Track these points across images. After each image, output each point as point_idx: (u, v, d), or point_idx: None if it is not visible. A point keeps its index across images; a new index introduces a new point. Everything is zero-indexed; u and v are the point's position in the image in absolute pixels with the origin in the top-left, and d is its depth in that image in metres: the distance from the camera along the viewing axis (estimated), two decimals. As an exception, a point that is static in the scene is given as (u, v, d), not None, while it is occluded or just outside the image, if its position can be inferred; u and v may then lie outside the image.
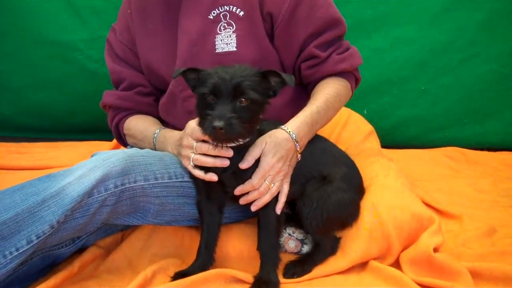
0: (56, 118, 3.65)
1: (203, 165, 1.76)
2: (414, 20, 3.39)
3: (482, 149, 3.44)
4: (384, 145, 2.91)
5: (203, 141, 1.74)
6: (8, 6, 3.41)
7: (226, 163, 1.73)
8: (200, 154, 1.76)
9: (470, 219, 2.35)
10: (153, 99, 2.26)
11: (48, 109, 3.61)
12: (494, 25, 3.37)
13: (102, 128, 3.37)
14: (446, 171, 3.10)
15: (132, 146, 2.19)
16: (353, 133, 2.71)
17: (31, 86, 3.56)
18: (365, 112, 3.09)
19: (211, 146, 1.71)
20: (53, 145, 3.42)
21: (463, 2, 3.34)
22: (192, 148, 1.78)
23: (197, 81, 1.71)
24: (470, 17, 3.36)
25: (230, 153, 1.72)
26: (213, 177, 1.76)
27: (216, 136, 1.61)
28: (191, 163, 1.79)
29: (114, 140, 3.04)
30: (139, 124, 2.19)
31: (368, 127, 2.80)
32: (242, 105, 1.62)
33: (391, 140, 3.21)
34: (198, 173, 1.78)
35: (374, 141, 2.72)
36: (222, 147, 1.70)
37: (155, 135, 2.07)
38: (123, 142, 2.32)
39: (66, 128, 3.66)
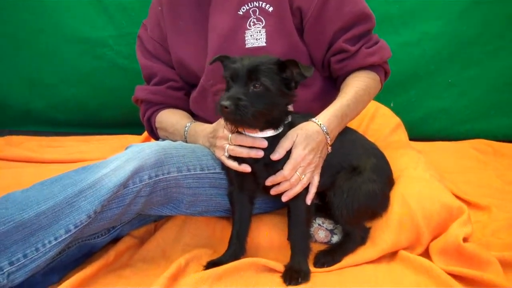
0: (87, 112, 3.73)
1: (237, 155, 1.80)
2: (440, 15, 3.40)
3: (509, 141, 3.43)
4: (411, 138, 2.91)
5: (238, 132, 1.78)
6: (42, 6, 3.51)
7: (261, 154, 1.77)
8: (235, 145, 1.80)
9: (499, 210, 2.35)
10: (184, 93, 2.30)
11: (79, 104, 3.70)
12: (518, 19, 3.37)
13: (132, 122, 3.45)
14: (473, 163, 3.10)
15: (163, 139, 2.23)
16: (381, 126, 2.72)
17: (63, 82, 3.65)
18: (391, 105, 3.10)
19: (245, 137, 1.75)
20: (84, 139, 3.50)
21: (488, -3, 3.34)
22: (227, 139, 1.82)
23: (227, 68, 1.77)
24: (497, 10, 3.36)
25: (265, 143, 1.76)
26: (246, 168, 1.80)
27: (224, 115, 1.66)
28: (226, 153, 1.83)
29: (144, 134, 3.11)
30: (171, 118, 2.23)
31: (396, 119, 2.81)
32: (255, 90, 1.67)
33: (418, 132, 3.21)
34: (232, 164, 1.82)
35: (402, 134, 2.73)
36: (254, 137, 1.75)
37: (186, 128, 2.12)
38: (154, 135, 2.36)
39: (97, 122, 3.74)
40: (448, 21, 3.40)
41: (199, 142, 2.03)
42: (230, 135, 1.81)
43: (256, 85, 1.67)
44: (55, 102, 3.72)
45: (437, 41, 3.41)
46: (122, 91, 3.51)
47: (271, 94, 1.69)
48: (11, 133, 3.56)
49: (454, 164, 3.01)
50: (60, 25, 3.51)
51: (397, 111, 3.04)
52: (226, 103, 1.61)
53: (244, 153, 1.79)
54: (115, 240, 2.00)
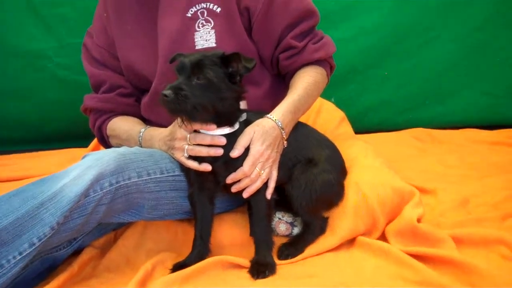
0: (27, 128, 3.62)
1: (197, 155, 1.83)
2: (374, 9, 3.53)
3: (445, 128, 3.59)
4: (354, 131, 3.00)
5: (196, 132, 1.81)
6: (-25, 18, 3.39)
7: (220, 151, 1.80)
8: (194, 144, 1.82)
9: (444, 193, 2.47)
10: (134, 99, 2.30)
11: (20, 120, 3.59)
12: (450, 9, 3.54)
13: (76, 135, 3.41)
14: (414, 151, 3.24)
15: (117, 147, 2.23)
16: (327, 120, 2.81)
17: (1, 97, 3.53)
18: (332, 100, 3.19)
19: (204, 136, 1.78)
20: (27, 156, 3.39)
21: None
22: (186, 139, 1.84)
23: None
24: (427, 3, 3.52)
25: (223, 140, 1.80)
26: (207, 167, 1.82)
27: (163, 104, 1.69)
28: (185, 154, 1.85)
29: (91, 146, 3.07)
30: (123, 125, 2.22)
31: (340, 113, 2.90)
32: (198, 82, 1.72)
33: (360, 125, 3.30)
34: (192, 164, 1.84)
35: (347, 126, 2.83)
36: (212, 134, 1.80)
37: (141, 133, 2.11)
38: (106, 144, 2.34)
39: (39, 137, 3.63)
40: (382, 16, 3.53)
41: (155, 146, 2.03)
42: (188, 135, 1.83)
43: (199, 77, 1.71)
44: (-9, 118, 3.59)
45: (373, 35, 3.54)
46: (64, 103, 3.47)
47: (215, 86, 1.73)
48: None
49: (396, 153, 3.12)
50: (-1, 38, 3.42)
51: (338, 105, 3.14)
52: (166, 92, 1.65)
53: (203, 152, 1.81)
54: (77, 252, 1.98)
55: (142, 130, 2.12)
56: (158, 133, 2.06)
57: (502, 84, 3.66)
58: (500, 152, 3.13)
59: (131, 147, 2.05)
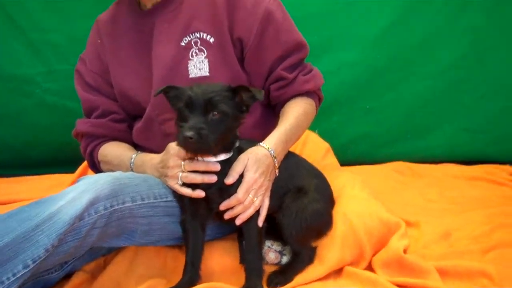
0: (14, 153, 3.59)
1: (192, 182, 1.85)
2: (356, 44, 3.59)
3: (425, 162, 3.67)
4: (337, 163, 3.06)
5: (190, 159, 1.84)
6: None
7: (214, 178, 1.83)
8: (188, 172, 1.85)
9: (426, 225, 2.52)
10: (127, 125, 2.33)
11: (6, 144, 3.55)
12: (428, 45, 3.61)
13: (62, 160, 3.40)
14: (396, 184, 3.29)
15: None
16: (312, 151, 2.85)
17: (-15, 122, 3.52)
18: (316, 131, 3.24)
19: (199, 163, 1.82)
20: (15, 180, 3.38)
21: (400, 25, 3.57)
22: (180, 167, 1.87)
23: (176, 98, 1.82)
24: (406, 39, 3.59)
25: (218, 167, 1.83)
26: (200, 193, 1.85)
27: (187, 146, 1.72)
28: (179, 181, 1.88)
29: (77, 172, 3.06)
30: (115, 150, 2.25)
31: (325, 144, 2.96)
32: (213, 118, 1.74)
33: (342, 157, 3.34)
34: (186, 191, 1.86)
35: (333, 158, 2.89)
36: (207, 161, 1.82)
37: (132, 159, 2.14)
38: (97, 170, 2.35)
39: (25, 162, 3.60)
40: (362, 50, 3.60)
41: (147, 173, 2.05)
42: (183, 163, 1.86)
43: (215, 113, 1.74)
44: (-24, 143, 3.56)
45: (354, 68, 3.60)
46: (51, 128, 3.46)
47: (229, 119, 1.77)
48: None
49: (378, 186, 3.15)
50: (-17, 62, 3.40)
51: (322, 137, 3.20)
52: (189, 133, 1.67)
53: (198, 179, 1.84)
54: (68, 276, 1.98)
55: (134, 156, 2.15)
56: (149, 159, 2.09)
57: (480, 120, 3.74)
58: (479, 187, 3.20)
59: (120, 171, 2.08)
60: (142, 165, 2.10)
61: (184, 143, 1.71)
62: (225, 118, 1.76)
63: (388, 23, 3.59)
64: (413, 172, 3.52)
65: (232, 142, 1.88)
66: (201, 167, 1.84)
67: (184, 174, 1.86)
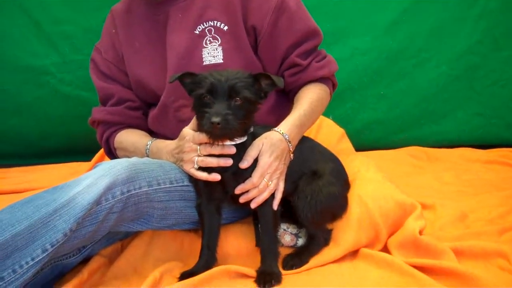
0: (29, 142, 3.65)
1: (208, 165, 1.87)
2: (369, 31, 3.63)
3: (440, 147, 3.68)
4: (351, 148, 3.07)
5: (206, 143, 1.86)
6: (-22, 33, 3.43)
7: (230, 162, 1.85)
8: (204, 156, 1.87)
9: (442, 208, 2.52)
10: (142, 112, 2.35)
11: (21, 134, 3.62)
12: (442, 32, 3.64)
13: (77, 149, 3.45)
14: (410, 169, 3.31)
15: (124, 159, 2.27)
16: (327, 136, 2.86)
17: (3, 112, 3.57)
18: (330, 117, 3.25)
19: (214, 146, 1.83)
20: (30, 169, 3.43)
21: (413, 12, 3.59)
22: (196, 151, 1.88)
23: (193, 84, 1.83)
24: (420, 25, 3.63)
25: (233, 150, 1.84)
26: (216, 176, 1.86)
27: (213, 131, 1.73)
28: (195, 165, 1.89)
29: (93, 160, 3.10)
30: (130, 137, 2.27)
31: (340, 130, 2.96)
32: (236, 103, 1.76)
33: (356, 143, 3.33)
34: (202, 175, 1.88)
35: (348, 143, 2.89)
36: (222, 145, 1.83)
37: (148, 146, 2.16)
38: (113, 156, 2.38)
39: (41, 152, 3.67)
40: (375, 37, 3.63)
41: (163, 158, 2.08)
42: (198, 147, 1.88)
43: (237, 98, 1.75)
44: (-6, 133, 3.62)
45: (367, 55, 3.64)
46: (65, 118, 3.52)
47: (250, 105, 1.79)
48: None
49: (393, 170, 3.17)
50: (0, 53, 3.45)
51: (336, 123, 3.20)
52: (217, 119, 1.68)
53: (214, 162, 1.86)
54: (85, 260, 2.00)
55: (149, 142, 2.17)
56: (164, 146, 2.11)
57: (493, 105, 3.76)
58: (494, 171, 3.21)
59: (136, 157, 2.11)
60: (157, 152, 2.12)
61: (211, 129, 1.72)
62: (247, 104, 1.78)
63: (402, 10, 3.61)
64: (428, 156, 3.53)
65: (249, 127, 1.90)
66: (217, 150, 1.85)
67: (200, 158, 1.88)
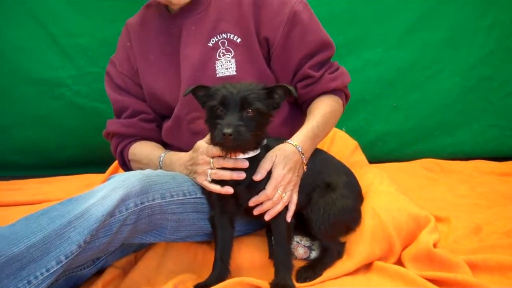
0: (45, 154, 3.68)
1: (221, 178, 1.87)
2: (381, 43, 3.63)
3: (455, 159, 3.66)
4: (364, 160, 3.06)
5: (219, 156, 1.87)
6: (-4, 46, 3.48)
7: (243, 175, 1.85)
8: (217, 168, 1.88)
9: (456, 220, 2.50)
10: (156, 125, 2.37)
11: (37, 146, 3.64)
12: (455, 42, 3.64)
13: (92, 161, 3.47)
14: (424, 181, 3.29)
15: (138, 171, 2.28)
16: (341, 148, 2.86)
17: (19, 124, 3.60)
18: (343, 129, 3.25)
19: (227, 160, 1.84)
20: (45, 181, 3.45)
21: (425, 23, 3.59)
22: (209, 164, 1.89)
23: (206, 97, 1.84)
24: (432, 36, 3.62)
25: (246, 164, 1.85)
26: (229, 189, 1.86)
27: (225, 143, 1.73)
28: (208, 178, 1.90)
29: (107, 172, 3.11)
30: (144, 149, 2.29)
31: (353, 142, 2.96)
32: (248, 115, 1.77)
33: (369, 155, 3.34)
34: (215, 187, 1.88)
35: (361, 155, 2.88)
36: (235, 158, 1.84)
37: (161, 158, 2.18)
38: (127, 169, 2.39)
39: (56, 163, 3.69)
40: (387, 49, 3.64)
41: (176, 171, 2.09)
42: (212, 160, 1.89)
43: (249, 110, 1.76)
44: (10, 145, 3.65)
45: (380, 67, 3.64)
46: (81, 130, 3.55)
47: (262, 117, 1.80)
48: (-37, 180, 3.47)
49: (407, 183, 3.16)
50: (16, 66, 3.49)
51: (349, 135, 3.20)
52: (228, 130, 1.68)
53: (227, 175, 1.86)
54: (99, 272, 2.01)
55: (162, 154, 2.19)
56: (177, 158, 2.12)
57: (508, 116, 3.74)
58: (509, 183, 3.18)
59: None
60: (170, 164, 2.14)
61: (223, 140, 1.72)
62: (259, 116, 1.79)
63: (413, 21, 3.61)
64: (442, 169, 3.51)
65: (262, 139, 1.90)
66: (230, 163, 1.86)
67: (213, 171, 1.89)
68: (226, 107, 1.77)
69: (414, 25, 3.61)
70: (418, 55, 3.65)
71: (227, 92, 1.77)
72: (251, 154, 1.87)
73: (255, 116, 1.78)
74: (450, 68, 3.67)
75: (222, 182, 1.89)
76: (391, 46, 3.64)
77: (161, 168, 2.16)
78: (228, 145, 1.76)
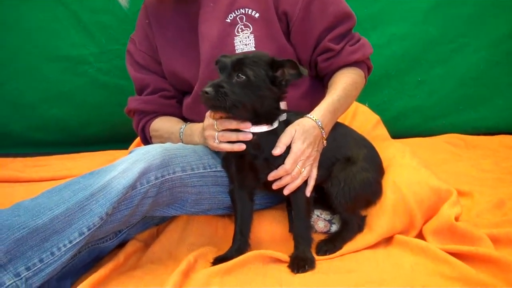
0: (69, 131, 3.73)
1: (228, 140, 1.89)
2: (407, 17, 3.58)
3: (478, 134, 3.62)
4: (386, 135, 3.04)
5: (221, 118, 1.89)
6: (20, 25, 3.51)
7: (249, 136, 1.85)
8: (223, 131, 1.89)
9: (479, 195, 2.48)
10: (176, 101, 2.38)
11: (61, 123, 3.69)
12: (481, 17, 3.57)
13: (115, 138, 3.50)
14: (448, 156, 3.26)
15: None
16: (363, 123, 2.83)
17: (44, 101, 3.64)
18: (366, 104, 3.22)
19: (229, 120, 1.86)
20: (70, 157, 3.49)
21: (451, -3, 3.52)
22: (213, 126, 1.91)
23: None
24: (458, 10, 3.56)
25: (248, 125, 1.85)
26: (241, 146, 1.87)
27: (205, 101, 1.76)
28: (216, 140, 1.91)
29: (130, 148, 3.13)
30: (165, 124, 2.31)
31: (375, 116, 2.93)
32: (238, 80, 1.77)
33: (392, 130, 3.29)
34: (225, 146, 1.90)
35: (383, 129, 2.85)
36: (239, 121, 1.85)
37: (182, 130, 2.20)
38: (149, 144, 2.40)
39: (80, 140, 3.74)
40: (413, 23, 3.58)
41: (196, 140, 2.10)
42: (215, 122, 1.90)
43: (239, 75, 1.77)
44: (35, 122, 3.70)
45: (405, 41, 3.59)
46: (104, 107, 3.58)
47: (253, 85, 1.78)
48: (-9, 156, 3.53)
49: (430, 158, 3.13)
50: (39, 44, 3.52)
51: (372, 110, 3.17)
52: (207, 89, 1.72)
53: (233, 136, 1.87)
54: (121, 245, 2.04)
55: (183, 126, 2.21)
56: (196, 127, 2.14)
57: (534, 90, 3.66)
58: (535, 158, 3.13)
59: (171, 143, 2.13)
60: (191, 134, 2.15)
61: (203, 99, 1.75)
62: (250, 83, 1.78)
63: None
64: (466, 144, 3.47)
65: (273, 114, 1.89)
66: (232, 125, 1.86)
67: (220, 133, 1.90)
68: (221, 71, 1.80)
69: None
70: (444, 29, 3.60)
71: (228, 58, 1.80)
72: (265, 128, 1.86)
73: (247, 84, 1.78)
74: (475, 42, 3.61)
75: (241, 162, 1.92)
76: (417, 20, 3.58)
77: (181, 140, 2.18)
78: (207, 104, 1.77)
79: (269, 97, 1.84)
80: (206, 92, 1.72)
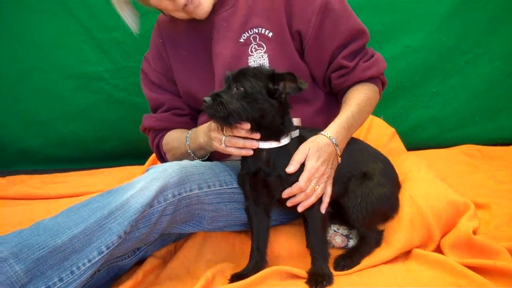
0: (86, 147, 3.76)
1: (234, 146, 1.90)
2: (419, 28, 3.56)
3: (495, 145, 3.58)
4: (403, 147, 3.03)
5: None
6: (35, 42, 3.56)
7: (256, 144, 1.86)
8: (230, 136, 1.90)
9: (497, 207, 2.45)
10: (189, 118, 2.40)
11: (77, 139, 3.73)
12: (495, 25, 3.54)
13: (132, 153, 3.53)
14: (465, 168, 3.22)
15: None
16: (378, 136, 2.84)
17: (60, 118, 3.68)
18: (382, 117, 3.22)
19: (237, 130, 1.87)
20: (87, 173, 3.53)
21: (464, 6, 3.50)
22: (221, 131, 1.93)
23: None
24: (471, 20, 3.53)
25: (257, 135, 1.86)
26: (249, 151, 1.88)
27: (205, 110, 1.79)
28: (222, 144, 1.92)
29: (147, 163, 3.16)
30: (173, 135, 2.32)
31: (391, 129, 2.94)
32: (236, 91, 1.80)
33: (408, 142, 3.30)
34: (230, 150, 1.91)
35: (398, 142, 2.86)
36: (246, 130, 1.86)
37: (188, 134, 2.20)
38: (164, 162, 2.40)
39: (96, 156, 3.77)
40: (427, 34, 3.56)
41: (199, 140, 2.10)
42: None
43: (237, 86, 1.80)
44: (52, 139, 3.74)
45: (419, 53, 3.57)
46: (120, 123, 3.61)
47: (250, 96, 1.80)
48: (10, 173, 3.56)
49: (447, 169, 3.11)
50: (55, 62, 3.57)
51: (387, 122, 3.17)
52: (206, 98, 1.77)
53: (240, 143, 1.87)
54: (139, 262, 2.06)
55: (189, 132, 2.21)
56: (200, 127, 2.14)
57: (550, 101, 3.63)
58: (551, 169, 3.10)
59: (182, 153, 2.18)
60: (196, 137, 2.14)
61: (203, 107, 1.79)
62: (247, 95, 1.80)
63: (453, 5, 3.51)
64: (482, 155, 3.44)
65: (279, 129, 1.89)
66: (241, 133, 1.87)
67: (227, 138, 1.91)
68: (225, 83, 1.85)
69: (452, 9, 3.52)
70: (458, 39, 3.56)
71: (232, 71, 1.85)
72: (274, 144, 1.88)
73: (245, 95, 1.80)
74: (490, 52, 3.58)
75: (254, 178, 1.94)
76: (431, 31, 3.56)
77: (188, 146, 2.18)
78: (207, 113, 1.80)
79: (269, 110, 1.85)
80: (205, 101, 1.76)
